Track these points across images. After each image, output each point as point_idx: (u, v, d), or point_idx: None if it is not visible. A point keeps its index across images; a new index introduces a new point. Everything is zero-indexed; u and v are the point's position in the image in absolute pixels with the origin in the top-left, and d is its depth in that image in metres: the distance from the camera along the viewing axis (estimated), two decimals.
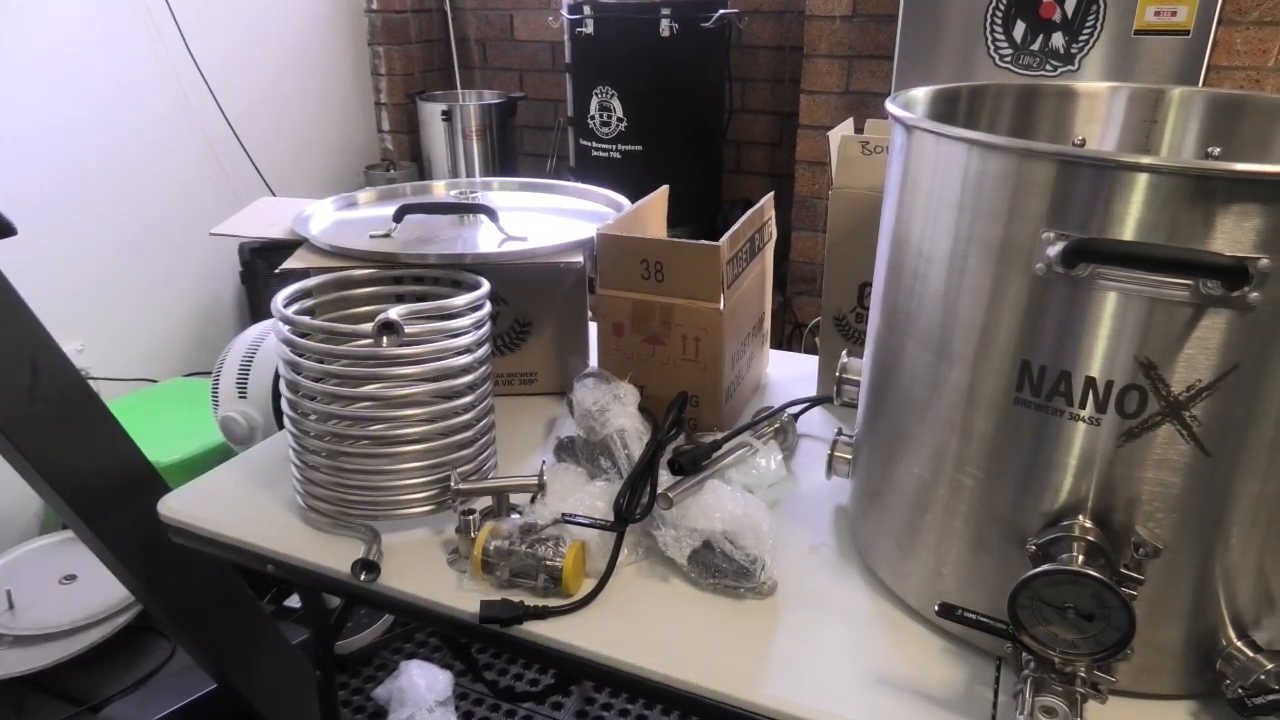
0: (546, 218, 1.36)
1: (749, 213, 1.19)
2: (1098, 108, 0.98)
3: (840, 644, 0.82)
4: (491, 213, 1.27)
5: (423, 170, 3.32)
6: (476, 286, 1.00)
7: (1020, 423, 0.70)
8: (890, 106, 0.80)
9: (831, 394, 1.00)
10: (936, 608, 0.72)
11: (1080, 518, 0.69)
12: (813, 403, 1.24)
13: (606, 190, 1.42)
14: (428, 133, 3.15)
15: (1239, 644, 0.70)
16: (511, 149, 3.19)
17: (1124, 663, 0.67)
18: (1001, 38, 2.09)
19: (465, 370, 0.96)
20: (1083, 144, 0.96)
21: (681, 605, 0.87)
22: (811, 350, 1.33)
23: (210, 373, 1.78)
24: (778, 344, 2.37)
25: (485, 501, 0.95)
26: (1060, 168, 0.64)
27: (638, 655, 0.80)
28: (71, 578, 1.89)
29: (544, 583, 0.86)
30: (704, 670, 0.78)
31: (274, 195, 2.65)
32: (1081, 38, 2.02)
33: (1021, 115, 0.99)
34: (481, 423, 1.00)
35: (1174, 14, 1.94)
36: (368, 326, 0.89)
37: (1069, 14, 2.02)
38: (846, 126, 1.27)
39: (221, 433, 1.75)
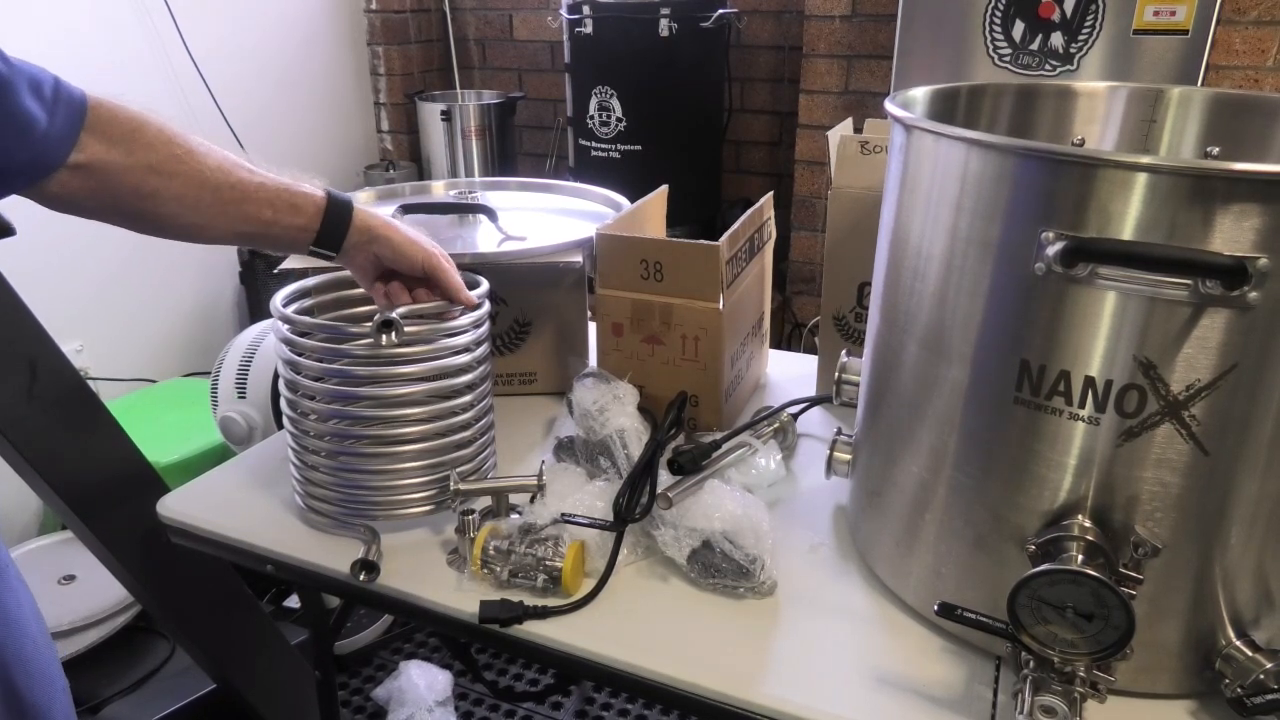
0: (546, 218, 1.36)
1: (748, 212, 1.19)
2: (1097, 107, 0.98)
3: (840, 643, 0.82)
4: (491, 213, 1.27)
5: (422, 170, 3.32)
6: (475, 286, 1.00)
7: (1019, 422, 0.70)
8: (889, 106, 0.80)
9: (831, 393, 1.00)
10: (936, 607, 0.72)
11: (1079, 517, 0.69)
12: (812, 402, 1.24)
13: (606, 190, 1.42)
14: (427, 133, 3.15)
15: (1238, 643, 0.70)
16: (511, 149, 3.19)
17: (1123, 662, 0.67)
18: (1000, 37, 2.09)
19: (464, 370, 0.96)
20: (1082, 143, 0.96)
21: (681, 605, 0.87)
22: (811, 350, 1.33)
23: (209, 373, 1.78)
24: (777, 343, 2.37)
25: (485, 501, 0.95)
26: (1059, 167, 0.64)
27: (637, 655, 0.80)
28: (70, 578, 1.89)
29: (543, 583, 0.86)
30: (704, 670, 0.78)
31: None
32: (1080, 37, 2.03)
33: (1021, 115, 0.99)
34: (481, 423, 1.00)
35: (1173, 14, 1.94)
36: (367, 326, 0.89)
37: (1068, 13, 2.02)
38: (846, 126, 1.27)
39: (221, 433, 1.75)
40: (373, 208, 1.40)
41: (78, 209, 0.80)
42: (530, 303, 1.25)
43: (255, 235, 0.88)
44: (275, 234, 0.88)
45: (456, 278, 0.95)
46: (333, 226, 0.89)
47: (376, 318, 0.88)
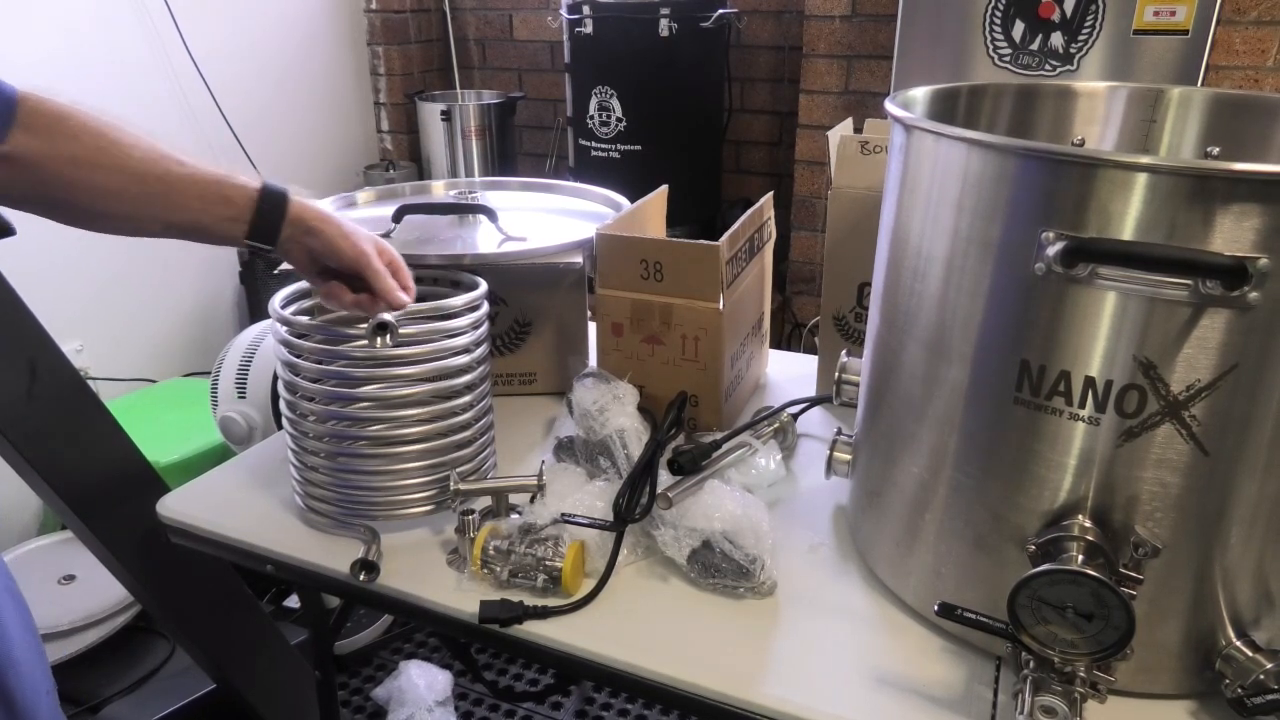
0: (546, 218, 1.36)
1: (748, 212, 1.19)
2: (1097, 107, 0.98)
3: (840, 644, 0.82)
4: (491, 213, 1.27)
5: (422, 170, 3.32)
6: (475, 287, 1.00)
7: (1019, 422, 0.70)
8: (889, 106, 0.80)
9: (831, 394, 1.00)
10: (936, 607, 0.72)
11: (1079, 517, 0.69)
12: (812, 402, 1.24)
13: (606, 190, 1.42)
14: (427, 133, 3.15)
15: (1238, 643, 0.70)
16: (511, 149, 3.19)
17: (1123, 662, 0.67)
18: (1001, 37, 2.09)
19: (464, 370, 0.96)
20: (1082, 144, 0.96)
21: (681, 605, 0.87)
22: (811, 350, 1.33)
23: (209, 373, 1.78)
24: (777, 344, 2.37)
25: (484, 501, 0.95)
26: (1059, 167, 0.64)
27: (637, 655, 0.80)
28: (70, 578, 1.89)
29: (543, 583, 0.86)
30: (703, 670, 0.78)
31: None
32: (1081, 37, 2.02)
33: (1021, 115, 0.99)
34: (480, 423, 1.00)
35: (1173, 14, 1.94)
36: (364, 328, 0.89)
37: (1068, 13, 2.02)
38: (846, 126, 1.27)
39: (220, 433, 1.75)
40: (372, 208, 1.40)
41: (3, 199, 0.81)
42: (530, 303, 1.25)
43: (186, 226, 0.86)
44: (206, 225, 0.86)
45: (386, 280, 0.90)
46: (266, 218, 0.87)
47: (372, 320, 0.87)
